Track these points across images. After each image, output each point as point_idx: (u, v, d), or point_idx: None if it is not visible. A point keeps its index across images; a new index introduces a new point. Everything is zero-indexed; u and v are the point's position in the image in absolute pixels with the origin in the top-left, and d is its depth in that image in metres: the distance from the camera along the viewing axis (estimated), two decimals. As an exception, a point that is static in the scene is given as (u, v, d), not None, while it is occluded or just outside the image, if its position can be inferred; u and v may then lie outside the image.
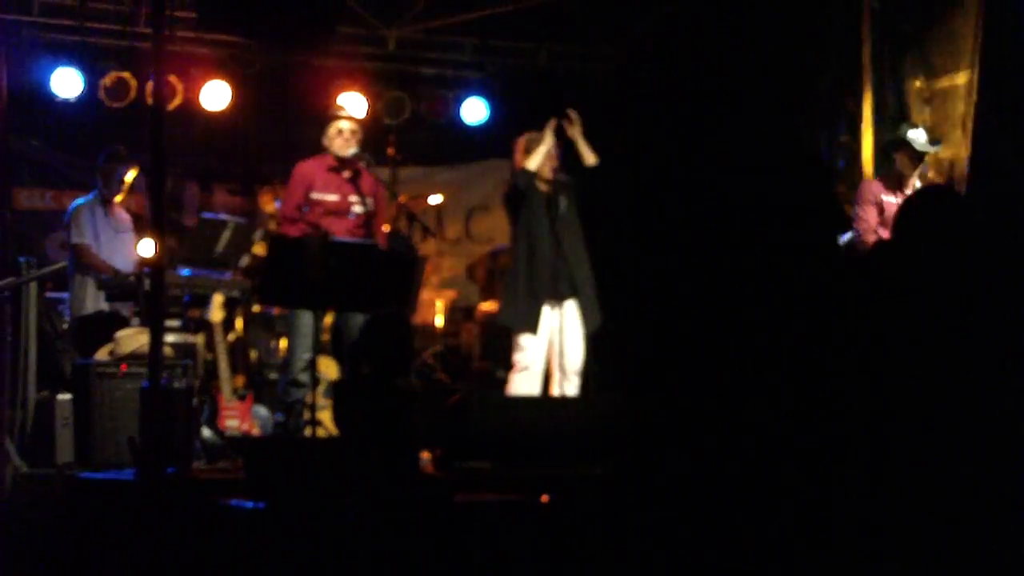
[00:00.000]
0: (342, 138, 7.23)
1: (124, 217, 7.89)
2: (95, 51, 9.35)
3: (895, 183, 7.30)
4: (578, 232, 7.28)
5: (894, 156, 7.33)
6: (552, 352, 7.19)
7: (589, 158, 7.27)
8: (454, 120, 10.40)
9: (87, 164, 9.26)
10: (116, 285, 7.16)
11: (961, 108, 8.21)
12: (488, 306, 9.50)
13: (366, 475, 4.54)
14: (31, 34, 9.22)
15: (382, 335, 4.85)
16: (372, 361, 4.87)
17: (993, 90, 7.69)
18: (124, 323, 7.03)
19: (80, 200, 7.95)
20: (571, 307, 7.19)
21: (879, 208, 7.25)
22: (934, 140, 7.48)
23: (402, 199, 8.09)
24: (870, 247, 7.14)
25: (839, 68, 8.89)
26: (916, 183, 7.26)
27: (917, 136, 7.27)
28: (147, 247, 7.08)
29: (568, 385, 7.18)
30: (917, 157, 7.26)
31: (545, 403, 6.79)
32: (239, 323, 8.25)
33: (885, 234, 7.20)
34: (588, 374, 7.51)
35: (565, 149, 7.36)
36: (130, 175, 7.80)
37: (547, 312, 7.16)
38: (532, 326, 7.12)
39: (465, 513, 4.99)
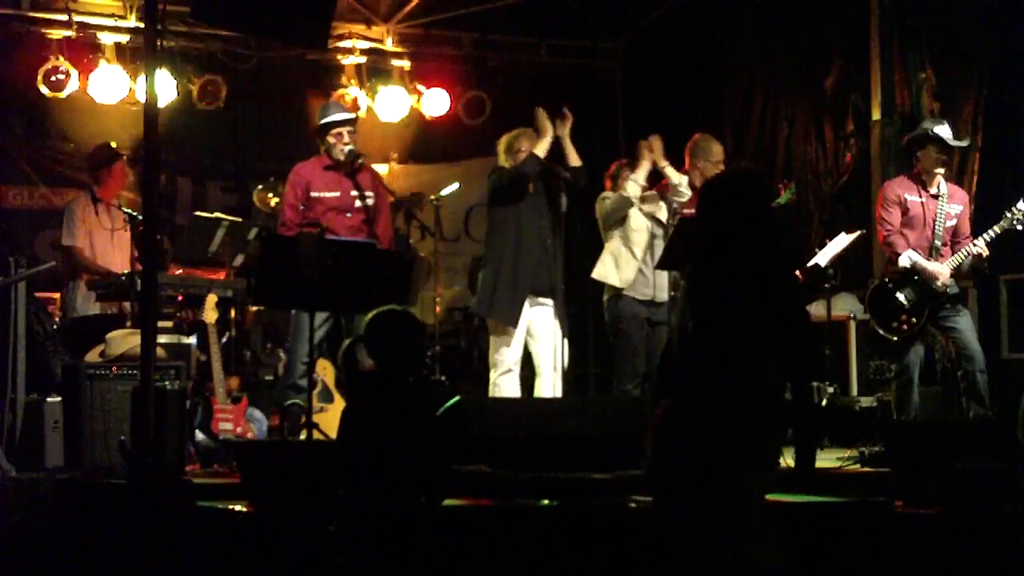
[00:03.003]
0: (341, 141, 7.13)
1: (118, 215, 7.73)
2: (86, 45, 9.21)
3: (917, 181, 7.00)
4: (562, 230, 7.17)
5: (917, 154, 6.99)
6: (536, 351, 7.05)
7: (574, 159, 7.20)
8: (453, 117, 10.28)
9: (77, 161, 9.15)
10: (107, 286, 7.06)
11: (970, 102, 8.10)
12: None
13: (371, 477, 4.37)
14: (20, 27, 9.10)
15: (389, 330, 4.67)
16: (380, 358, 4.68)
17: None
18: (118, 324, 6.91)
19: (74, 200, 7.95)
20: (550, 306, 7.04)
21: (903, 208, 6.99)
22: (959, 135, 7.22)
23: (412, 193, 7.97)
24: (896, 251, 6.93)
25: (846, 63, 8.78)
26: (941, 180, 7.01)
27: (944, 131, 6.96)
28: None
29: (553, 386, 7.05)
30: (946, 152, 6.99)
31: (545, 405, 6.71)
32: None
33: (910, 235, 6.99)
34: (589, 375, 7.42)
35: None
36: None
37: (525, 308, 7.01)
38: (512, 319, 6.97)
39: (463, 518, 4.90)
